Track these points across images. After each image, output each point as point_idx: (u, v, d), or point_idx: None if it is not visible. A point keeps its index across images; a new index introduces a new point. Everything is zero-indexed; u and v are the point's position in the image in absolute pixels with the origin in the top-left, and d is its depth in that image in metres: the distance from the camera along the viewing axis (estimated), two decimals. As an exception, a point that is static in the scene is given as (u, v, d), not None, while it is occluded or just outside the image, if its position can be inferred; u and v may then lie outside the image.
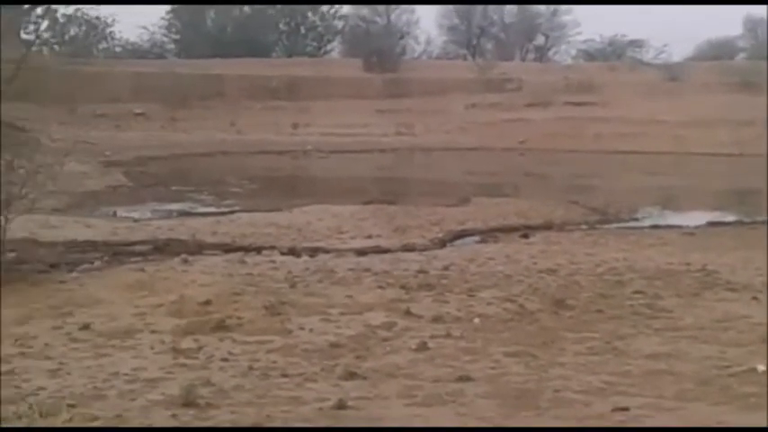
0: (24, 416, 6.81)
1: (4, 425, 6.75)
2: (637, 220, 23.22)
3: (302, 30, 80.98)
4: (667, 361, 8.88)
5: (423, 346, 9.32)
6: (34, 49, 13.89)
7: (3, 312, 10.80)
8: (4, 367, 8.48)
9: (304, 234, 18.30)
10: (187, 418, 6.99)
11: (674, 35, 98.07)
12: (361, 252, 16.20)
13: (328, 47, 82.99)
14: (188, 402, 7.27)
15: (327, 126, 52.75)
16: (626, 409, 7.27)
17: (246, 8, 78.77)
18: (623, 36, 77.17)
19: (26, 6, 50.97)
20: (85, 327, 10.11)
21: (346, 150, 45.65)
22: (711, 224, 21.75)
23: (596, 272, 14.11)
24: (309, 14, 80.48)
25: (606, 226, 21.31)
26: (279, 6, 78.38)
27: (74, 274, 13.74)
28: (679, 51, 74.28)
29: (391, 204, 24.33)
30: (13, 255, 13.59)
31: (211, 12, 77.85)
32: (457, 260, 15.36)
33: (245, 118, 53.67)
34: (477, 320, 10.71)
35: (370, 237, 18.16)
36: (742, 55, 75.65)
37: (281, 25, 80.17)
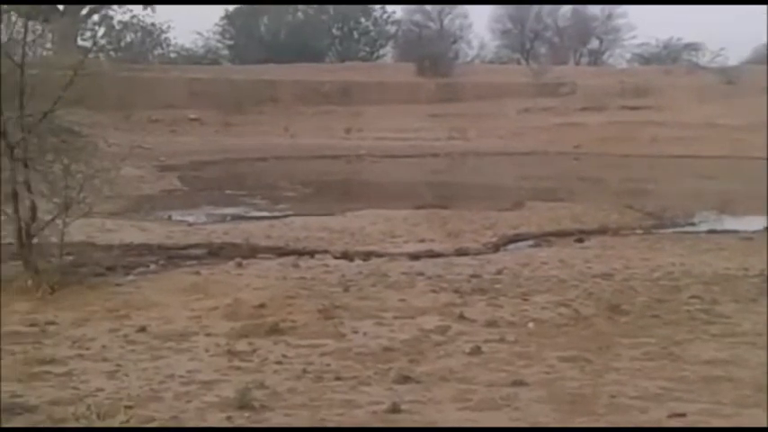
0: (82, 417, 6.89)
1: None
2: (693, 224, 22.94)
3: (355, 34, 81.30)
4: (725, 367, 8.77)
5: (476, 351, 9.30)
6: (91, 55, 14.04)
7: (60, 315, 10.98)
8: (62, 368, 8.61)
9: (357, 238, 18.35)
10: (242, 420, 7.04)
11: (731, 38, 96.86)
12: (415, 256, 16.20)
13: (381, 51, 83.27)
14: (243, 405, 7.32)
15: (380, 130, 52.82)
16: (683, 415, 7.20)
17: (300, 13, 79.25)
18: (679, 39, 76.68)
19: (83, 13, 51.72)
20: (142, 329, 10.22)
21: (399, 155, 45.65)
22: (770, 229, 21.42)
23: (652, 277, 13.99)
24: (362, 19, 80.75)
25: (662, 230, 21.11)
26: (332, 11, 78.77)
27: (130, 278, 13.90)
28: (736, 54, 73.23)
29: (444, 209, 24.29)
30: (70, 258, 13.77)
31: (265, 17, 78.40)
32: (510, 264, 15.31)
33: (299, 123, 53.92)
34: (531, 325, 10.66)
35: (423, 241, 18.15)
36: (800, 58, 74.45)
37: (334, 30, 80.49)
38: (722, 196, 31.55)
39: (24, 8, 13.00)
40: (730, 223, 23.38)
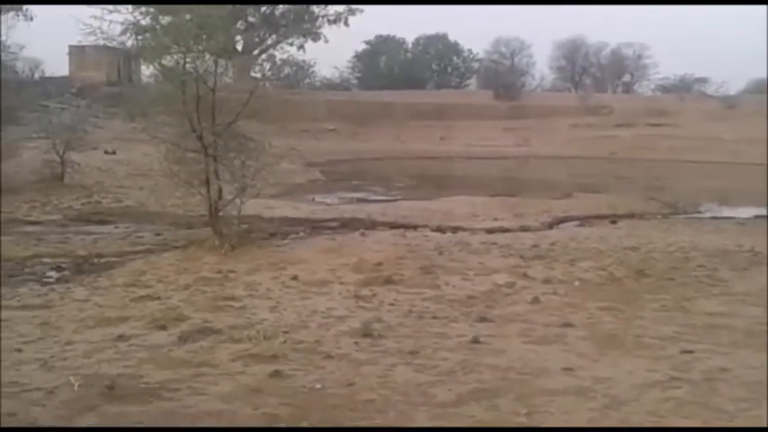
0: (253, 338, 7.05)
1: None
2: (700, 212, 22.25)
3: (449, 69, 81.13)
4: (723, 318, 8.52)
5: (536, 300, 9.21)
6: (260, 83, 14.35)
7: (237, 266, 11.23)
8: (239, 304, 8.82)
9: (448, 217, 18.26)
10: (365, 344, 7.11)
11: (732, 73, 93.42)
12: (490, 231, 16.07)
13: (467, 81, 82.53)
14: (366, 333, 7.40)
15: (466, 139, 52.58)
16: (691, 351, 7.03)
17: (409, 54, 79.52)
18: (692, 74, 74.25)
19: (255, 53, 52.44)
20: (294, 278, 10.39)
21: (479, 157, 45.35)
22: (758, 217, 20.57)
23: (668, 250, 13.61)
24: (454, 58, 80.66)
25: (676, 216, 20.50)
26: (432, 52, 78.86)
27: (286, 241, 14.13)
28: (735, 86, 70.23)
29: (512, 197, 23.98)
30: (245, 226, 14.06)
31: (383, 56, 78.76)
32: (561, 238, 15.07)
33: (407, 133, 53.89)
34: (577, 283, 10.50)
35: (496, 219, 17.99)
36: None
37: (433, 66, 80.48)
38: (722, 192, 30.60)
39: (215, 49, 13.22)
40: (728, 212, 22.60)
